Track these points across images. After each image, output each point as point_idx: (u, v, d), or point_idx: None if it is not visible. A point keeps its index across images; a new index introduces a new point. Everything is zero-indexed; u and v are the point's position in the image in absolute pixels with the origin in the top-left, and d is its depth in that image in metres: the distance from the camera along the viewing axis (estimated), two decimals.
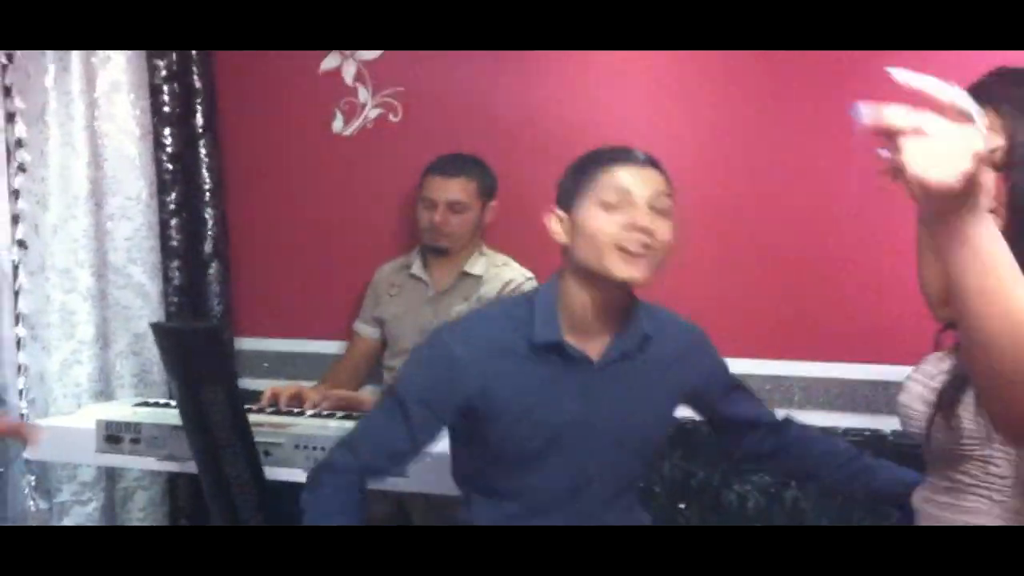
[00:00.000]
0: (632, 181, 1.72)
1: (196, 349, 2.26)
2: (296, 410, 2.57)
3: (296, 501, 2.52)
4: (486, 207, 2.80)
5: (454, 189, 2.73)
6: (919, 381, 1.47)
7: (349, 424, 2.40)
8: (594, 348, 1.80)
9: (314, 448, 2.30)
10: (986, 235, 0.96)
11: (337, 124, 3.06)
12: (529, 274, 2.75)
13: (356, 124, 3.04)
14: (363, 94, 3.01)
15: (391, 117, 3.00)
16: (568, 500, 1.85)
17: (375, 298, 2.95)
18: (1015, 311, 0.96)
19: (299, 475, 2.29)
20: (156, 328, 2.44)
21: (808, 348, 2.68)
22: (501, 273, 2.77)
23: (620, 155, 1.76)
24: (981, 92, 1.32)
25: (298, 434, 2.34)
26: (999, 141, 1.28)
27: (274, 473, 2.30)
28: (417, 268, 2.85)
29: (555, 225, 1.78)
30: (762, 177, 2.68)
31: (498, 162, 2.77)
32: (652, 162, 1.77)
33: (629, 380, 1.82)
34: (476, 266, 2.80)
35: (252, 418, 2.35)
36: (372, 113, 3.01)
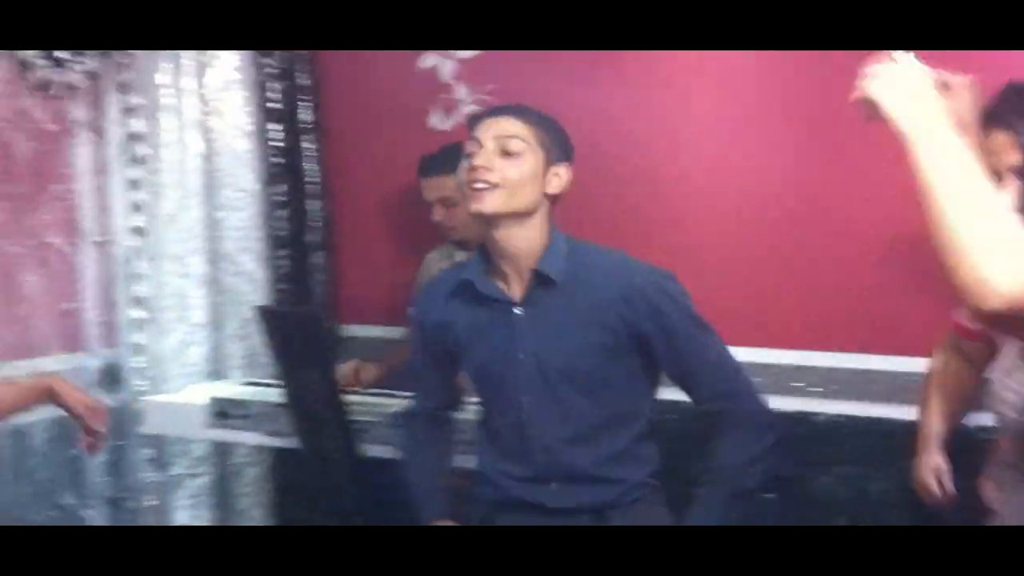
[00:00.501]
0: (481, 129, 1.93)
1: (296, 332, 2.43)
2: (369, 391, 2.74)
3: (389, 477, 2.70)
4: None
5: (441, 186, 2.80)
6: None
7: None
8: (515, 289, 1.95)
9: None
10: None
11: (435, 119, 3.19)
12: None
13: (453, 119, 3.17)
14: (460, 91, 3.14)
15: None
16: (521, 437, 1.95)
17: None
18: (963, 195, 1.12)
19: (391, 451, 2.45)
20: (259, 311, 2.62)
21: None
22: None
23: (485, 111, 2.01)
24: (994, 112, 1.39)
25: (391, 413, 2.49)
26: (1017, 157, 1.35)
27: (371, 450, 2.46)
28: (460, 255, 2.97)
29: None
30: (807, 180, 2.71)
31: (582, 156, 2.86)
32: (512, 111, 1.95)
33: (553, 317, 1.92)
34: None
35: (349, 397, 2.51)
36: (468, 109, 3.14)
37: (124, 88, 2.97)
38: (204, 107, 3.08)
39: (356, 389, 2.72)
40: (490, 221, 1.90)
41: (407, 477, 2.14)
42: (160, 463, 3.13)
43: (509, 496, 1.98)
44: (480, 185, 1.87)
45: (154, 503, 3.12)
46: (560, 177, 1.95)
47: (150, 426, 2.92)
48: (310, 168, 3.33)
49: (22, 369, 2.65)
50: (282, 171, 3.28)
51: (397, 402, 2.60)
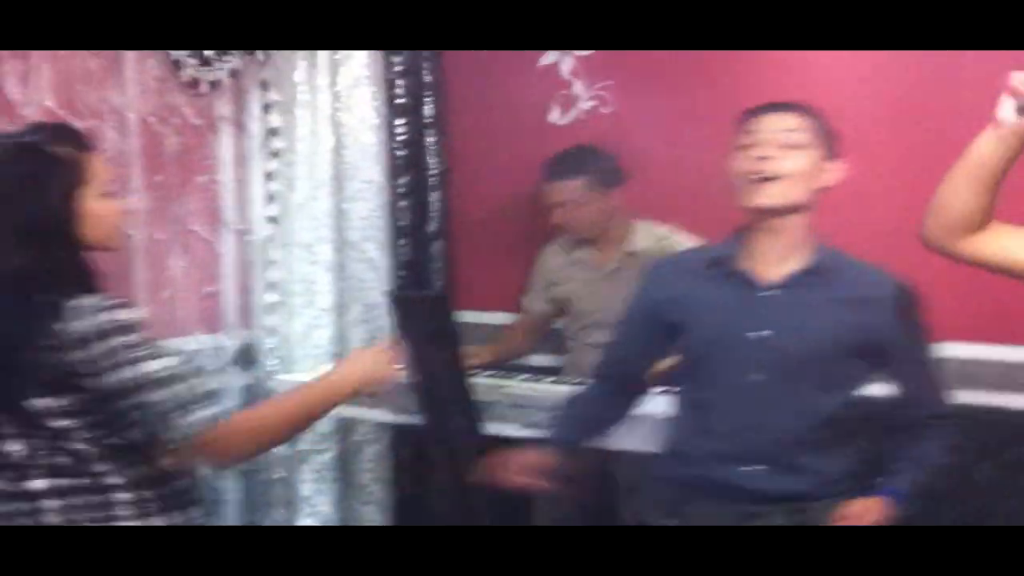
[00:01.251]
0: (761, 123, 2.03)
1: (425, 315, 2.59)
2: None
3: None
4: (607, 196, 3.00)
5: (565, 189, 2.98)
6: None
7: (556, 387, 2.70)
8: (769, 273, 2.04)
9: (526, 407, 2.60)
10: None
11: (553, 114, 3.35)
12: (699, 241, 2.84)
13: (571, 114, 3.32)
14: (578, 87, 3.29)
15: (602, 108, 3.27)
16: (736, 417, 2.04)
17: (544, 278, 3.21)
18: None
19: (513, 430, 2.61)
20: (392, 296, 2.80)
21: None
22: (665, 244, 2.95)
23: (761, 106, 2.07)
24: None
25: (513, 394, 2.65)
26: None
27: (492, 429, 2.61)
28: (580, 252, 3.11)
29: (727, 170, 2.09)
30: None
31: (696, 152, 2.99)
32: (791, 107, 2.05)
33: (803, 306, 2.02)
34: (636, 244, 3.01)
35: (472, 379, 2.67)
36: (585, 104, 3.29)
37: (264, 85, 3.19)
38: (336, 103, 3.28)
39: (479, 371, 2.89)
40: (766, 213, 2.01)
41: (563, 412, 2.31)
42: None
43: (705, 476, 2.05)
44: (761, 177, 1.99)
45: (282, 475, 3.33)
46: (831, 172, 2.05)
47: None
48: (432, 161, 3.51)
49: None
50: (406, 164, 3.48)
51: (517, 383, 2.78)
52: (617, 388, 2.30)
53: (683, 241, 2.94)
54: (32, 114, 2.54)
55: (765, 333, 2.01)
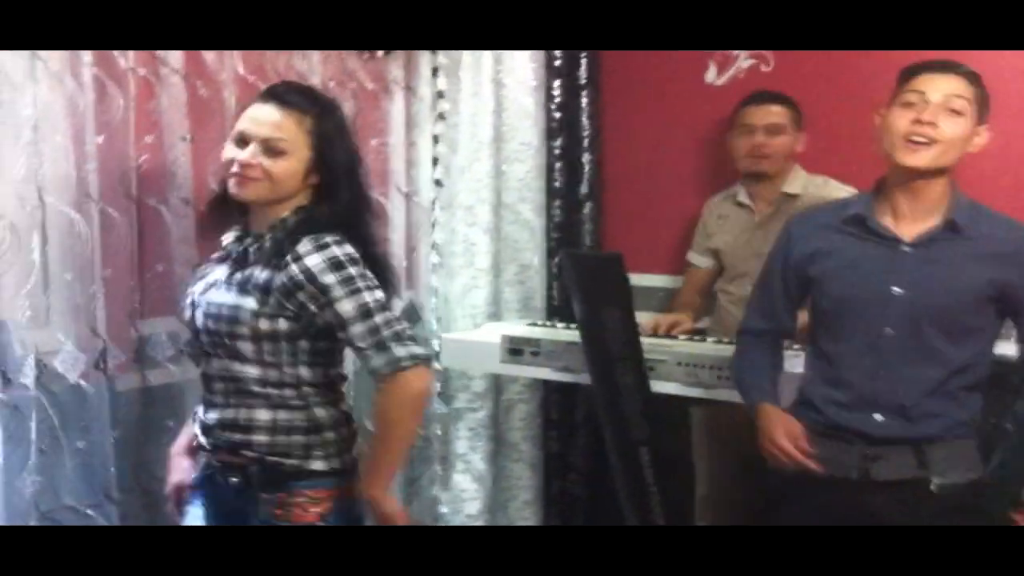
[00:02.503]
0: (925, 83, 2.10)
1: (599, 274, 2.72)
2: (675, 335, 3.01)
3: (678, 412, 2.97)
4: (798, 136, 3.11)
5: (772, 114, 3.08)
6: None
7: (720, 346, 2.81)
8: (906, 230, 2.14)
9: (692, 365, 2.72)
10: None
11: (710, 74, 3.45)
12: (853, 190, 2.91)
13: (728, 74, 3.41)
14: None
15: (763, 67, 3.36)
16: (869, 368, 2.17)
17: (705, 230, 3.32)
18: None
19: (679, 388, 2.74)
20: (566, 255, 2.93)
21: None
22: (823, 191, 3.05)
23: (927, 64, 2.13)
24: None
25: (680, 352, 2.77)
26: None
27: (657, 386, 2.74)
28: (742, 196, 3.20)
29: (876, 121, 2.19)
30: None
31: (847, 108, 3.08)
32: (956, 68, 2.11)
33: (943, 261, 2.12)
34: (794, 185, 3.10)
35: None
36: (745, 64, 3.38)
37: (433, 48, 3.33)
38: (497, 64, 3.42)
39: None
40: (915, 173, 2.12)
41: (740, 376, 2.45)
42: (446, 396, 3.50)
43: (834, 423, 2.21)
44: (921, 139, 2.08)
45: (438, 432, 3.51)
46: (981, 137, 2.14)
47: (447, 360, 3.31)
48: (586, 123, 3.64)
49: None
50: (560, 125, 3.61)
51: (682, 342, 2.90)
52: (772, 342, 2.44)
53: (839, 188, 3.04)
54: (226, 79, 2.72)
55: (901, 290, 2.13)
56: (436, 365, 3.32)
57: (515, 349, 2.99)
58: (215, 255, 2.19)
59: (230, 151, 2.05)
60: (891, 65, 2.24)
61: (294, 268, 2.00)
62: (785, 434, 2.24)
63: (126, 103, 2.53)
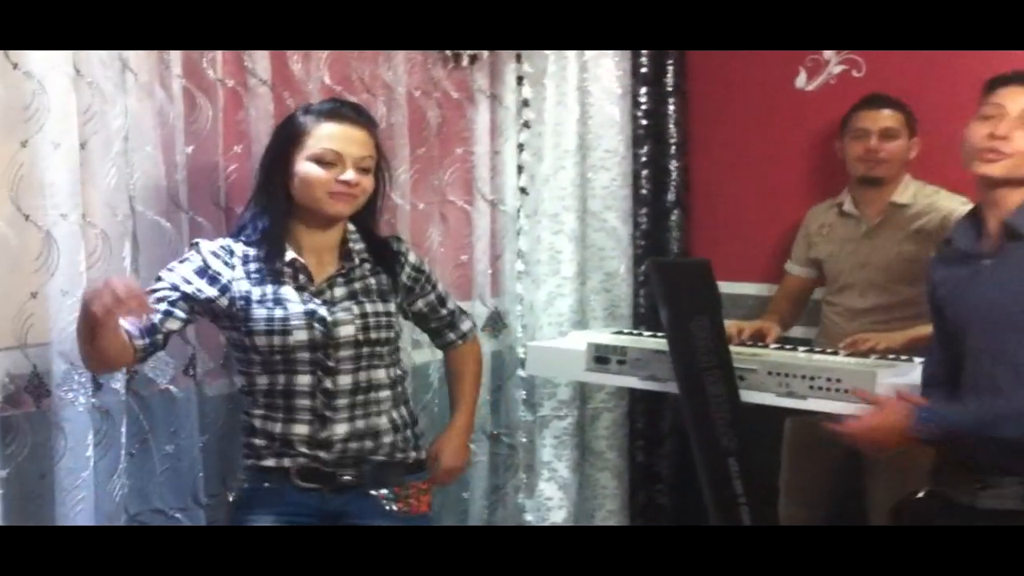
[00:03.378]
0: (1007, 96, 2.09)
1: (687, 281, 2.67)
2: (760, 343, 2.95)
3: (767, 424, 2.90)
4: (911, 142, 3.02)
5: (886, 118, 2.99)
6: None
7: (814, 355, 2.74)
8: (986, 243, 2.13)
9: (785, 375, 2.64)
10: None
11: (800, 80, 3.38)
12: (965, 199, 2.84)
13: (819, 80, 3.34)
14: (827, 52, 3.31)
15: (854, 73, 3.28)
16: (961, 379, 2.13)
17: (806, 239, 3.23)
18: None
19: (770, 399, 2.66)
20: (653, 262, 2.89)
21: None
22: (936, 202, 2.96)
23: (1011, 76, 2.12)
24: None
25: (771, 362, 2.69)
26: None
27: (747, 396, 2.66)
28: (848, 205, 3.10)
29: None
30: None
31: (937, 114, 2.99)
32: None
33: (1015, 268, 2.07)
34: (904, 194, 3.01)
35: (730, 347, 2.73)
36: (836, 69, 3.31)
37: (519, 57, 3.32)
38: (583, 73, 3.39)
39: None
40: (993, 183, 2.10)
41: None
42: (531, 404, 3.48)
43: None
44: (994, 155, 2.08)
45: (524, 440, 3.49)
46: None
47: (532, 368, 3.28)
48: (673, 130, 3.60)
49: None
50: (647, 133, 3.57)
51: (774, 352, 2.84)
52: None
53: (950, 197, 2.95)
54: (313, 90, 2.74)
55: (975, 302, 2.11)
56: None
57: (601, 357, 2.95)
58: (248, 274, 2.15)
59: (316, 171, 2.11)
60: (1005, 68, 2.17)
61: (408, 267, 2.30)
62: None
63: (215, 114, 2.57)
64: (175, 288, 2.10)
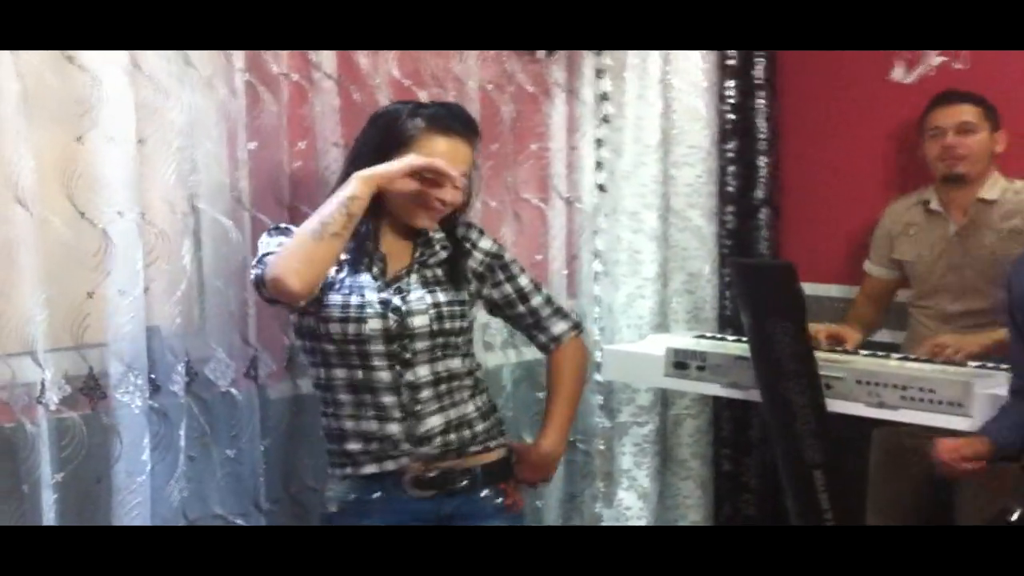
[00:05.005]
0: None
1: (769, 284, 2.54)
2: (838, 348, 2.81)
3: (854, 435, 2.78)
4: (994, 136, 2.86)
5: (962, 112, 2.84)
6: None
7: (906, 363, 2.59)
8: None
9: (875, 384, 2.50)
10: None
11: (897, 72, 3.21)
12: None
13: (917, 71, 3.17)
14: None
15: (955, 64, 3.10)
16: None
17: (888, 239, 3.07)
18: None
19: (858, 408, 2.52)
20: (735, 264, 2.76)
21: None
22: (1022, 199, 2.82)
23: None
24: None
25: (860, 369, 2.55)
26: None
27: (834, 405, 2.53)
28: (936, 203, 2.94)
29: None
30: None
31: None
32: None
33: None
34: (992, 191, 2.86)
35: (815, 354, 2.59)
36: (935, 61, 3.13)
37: (597, 50, 3.21)
38: (666, 66, 3.26)
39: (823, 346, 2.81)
40: None
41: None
42: (609, 410, 3.37)
43: None
44: None
45: (601, 447, 3.38)
46: None
47: (609, 373, 3.18)
48: (762, 124, 3.46)
49: None
50: (734, 127, 3.43)
51: (863, 359, 2.69)
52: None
53: None
54: (380, 84, 2.67)
55: None
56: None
57: (680, 363, 2.83)
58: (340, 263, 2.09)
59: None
60: None
61: (478, 253, 2.20)
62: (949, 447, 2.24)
63: (279, 109, 2.52)
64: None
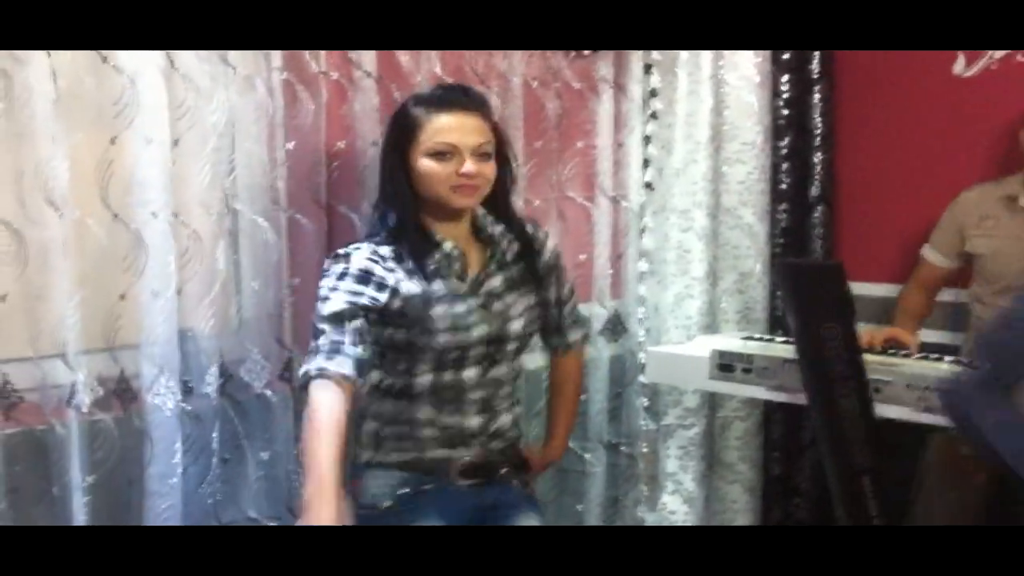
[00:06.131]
0: None
1: (819, 285, 2.48)
2: (891, 351, 2.74)
3: (905, 440, 2.70)
4: None
5: None
6: None
7: (957, 368, 2.50)
8: None
9: (924, 388, 2.43)
10: None
11: (958, 66, 3.11)
12: None
13: (980, 64, 3.07)
14: None
15: (1019, 57, 3.00)
16: None
17: (959, 229, 2.94)
18: None
19: (907, 413, 2.47)
20: (781, 264, 2.70)
21: None
22: None
23: None
24: None
25: (909, 373, 2.49)
26: None
27: (883, 410, 2.48)
28: (1012, 185, 2.82)
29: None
30: None
31: None
32: None
33: None
34: None
35: (865, 356, 2.52)
36: (998, 53, 3.03)
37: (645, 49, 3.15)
38: (718, 60, 3.19)
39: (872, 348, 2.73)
40: None
41: None
42: (654, 412, 3.31)
43: None
44: None
45: (645, 450, 3.32)
46: None
47: (653, 375, 3.12)
48: (817, 120, 3.36)
49: None
50: (789, 123, 3.35)
51: (913, 362, 2.61)
52: None
53: None
54: (422, 81, 2.63)
55: None
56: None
57: (725, 365, 2.78)
58: (410, 272, 2.08)
59: (433, 165, 2.06)
60: None
61: (547, 255, 2.26)
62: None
63: (317, 108, 2.49)
64: (353, 311, 1.99)
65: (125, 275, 2.20)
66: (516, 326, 2.16)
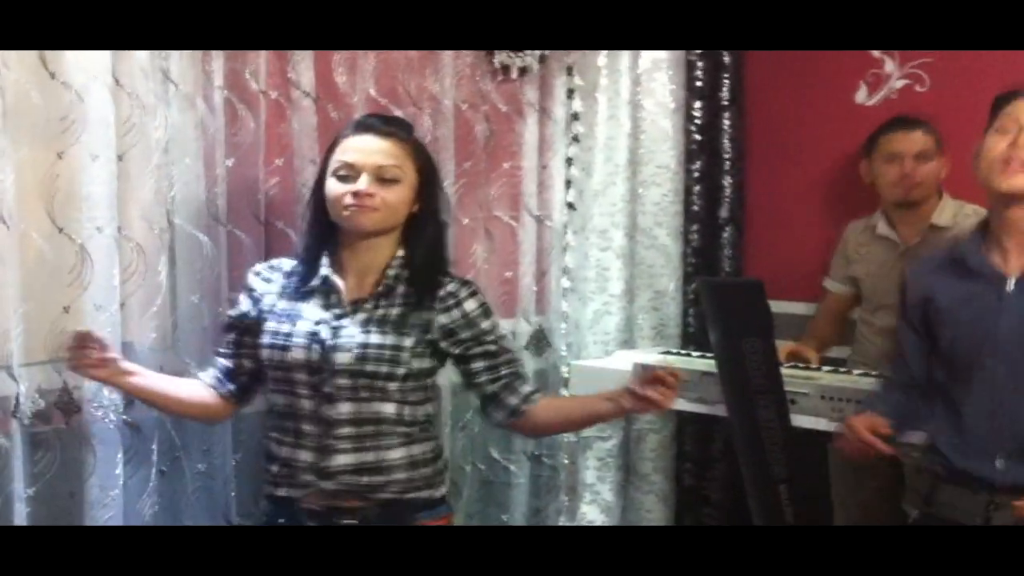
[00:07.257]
0: (1020, 109, 2.02)
1: (739, 302, 2.59)
2: (800, 365, 2.87)
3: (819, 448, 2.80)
4: (942, 162, 2.93)
5: (919, 140, 2.90)
6: None
7: (868, 379, 2.64)
8: (1012, 265, 2.06)
9: (839, 399, 2.55)
10: None
11: (860, 95, 3.27)
12: None
13: (880, 94, 3.24)
14: (889, 65, 3.20)
15: (917, 87, 3.17)
16: (985, 411, 2.06)
17: (845, 257, 3.14)
18: None
19: (822, 424, 2.57)
20: (703, 282, 2.81)
21: None
22: (974, 222, 2.84)
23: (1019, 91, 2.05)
24: None
25: (824, 385, 2.61)
26: None
27: (799, 421, 2.58)
28: (883, 227, 3.02)
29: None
30: None
31: None
32: None
33: None
34: (943, 216, 2.92)
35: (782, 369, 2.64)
36: (897, 84, 3.20)
37: (569, 70, 3.26)
38: (635, 86, 3.31)
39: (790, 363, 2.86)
40: (1011, 200, 2.03)
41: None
42: None
43: (958, 468, 2.10)
44: (1014, 163, 2.01)
45: (566, 462, 3.40)
46: None
47: (576, 388, 3.20)
48: (727, 145, 3.50)
49: None
50: (701, 148, 3.48)
51: (828, 375, 2.74)
52: (919, 394, 2.27)
53: None
54: (358, 102, 2.69)
55: (1004, 330, 2.03)
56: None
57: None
58: (284, 288, 2.09)
59: (335, 186, 2.01)
60: None
61: (456, 312, 2.07)
62: (862, 420, 2.21)
63: (257, 126, 2.53)
64: (232, 323, 2.13)
65: (70, 288, 2.20)
66: (342, 358, 1.99)
